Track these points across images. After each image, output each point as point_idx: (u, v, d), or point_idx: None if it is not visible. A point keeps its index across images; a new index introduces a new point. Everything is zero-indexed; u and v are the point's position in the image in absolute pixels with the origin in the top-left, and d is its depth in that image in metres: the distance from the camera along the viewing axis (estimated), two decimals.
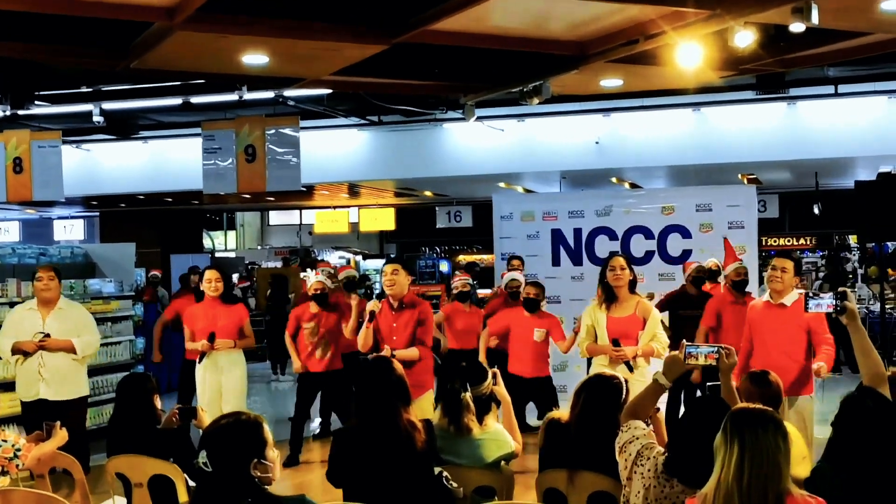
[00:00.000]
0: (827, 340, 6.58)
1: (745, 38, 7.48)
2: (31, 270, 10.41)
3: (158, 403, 5.39)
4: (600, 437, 4.35)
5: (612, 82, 10.34)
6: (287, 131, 11.27)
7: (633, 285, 7.07)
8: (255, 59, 8.78)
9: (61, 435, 5.25)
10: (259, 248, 32.81)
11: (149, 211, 22.05)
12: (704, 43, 8.14)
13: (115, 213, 22.80)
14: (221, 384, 8.13)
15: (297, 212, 29.12)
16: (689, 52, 8.10)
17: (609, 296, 7.04)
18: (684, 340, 4.27)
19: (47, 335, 7.57)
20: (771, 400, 4.50)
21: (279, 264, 26.44)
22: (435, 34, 8.19)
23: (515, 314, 9.23)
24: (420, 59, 9.79)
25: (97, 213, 23.58)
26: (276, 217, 33.16)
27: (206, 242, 32.25)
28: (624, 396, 4.50)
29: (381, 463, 4.43)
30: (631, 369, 6.85)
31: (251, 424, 3.36)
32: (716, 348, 4.22)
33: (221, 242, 33.08)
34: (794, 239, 24.79)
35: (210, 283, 8.21)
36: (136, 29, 8.33)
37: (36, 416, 7.45)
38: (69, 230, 24.00)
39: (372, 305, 7.17)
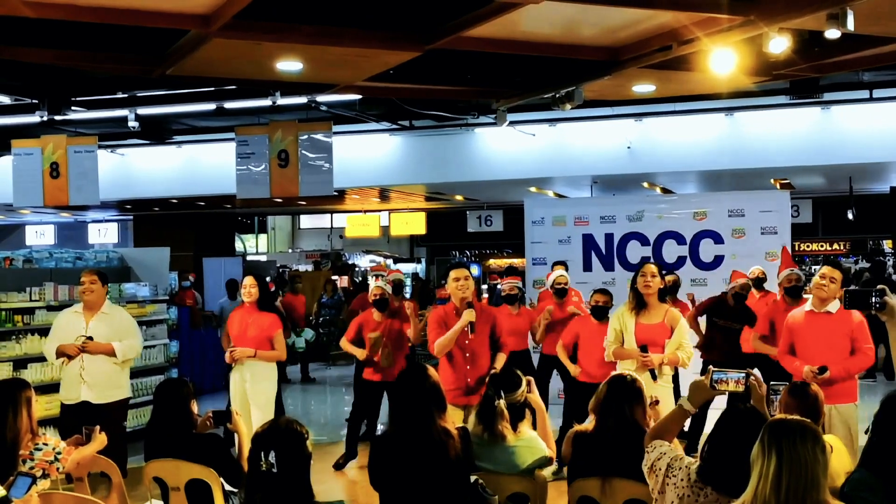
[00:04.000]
0: (866, 350, 6.53)
1: (779, 44, 7.43)
2: (68, 274, 10.58)
3: (195, 408, 5.44)
4: (624, 434, 4.48)
5: (644, 88, 10.31)
6: (320, 136, 11.33)
7: (663, 294, 7.12)
8: (289, 65, 8.84)
9: (100, 439, 5.32)
10: (290, 251, 32.98)
11: (182, 214, 22.20)
12: (738, 48, 8.12)
13: (148, 217, 22.98)
14: (247, 393, 8.20)
15: (328, 215, 29.23)
16: (722, 59, 8.06)
17: (639, 302, 7.11)
18: (711, 366, 4.24)
19: (90, 338, 7.66)
20: (810, 412, 4.47)
21: (310, 267, 26.60)
22: (468, 40, 8.20)
23: (584, 323, 9.11)
24: (453, 64, 9.81)
25: (131, 217, 23.78)
26: (306, 221, 33.33)
27: (238, 246, 32.45)
28: (642, 394, 4.61)
29: (416, 470, 4.46)
30: (655, 377, 6.88)
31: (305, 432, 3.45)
32: (744, 374, 4.16)
33: (253, 246, 33.29)
34: (828, 244, 24.59)
35: (245, 288, 8.29)
36: (173, 36, 8.41)
37: (77, 419, 7.56)
38: (103, 233, 24.22)
39: (470, 316, 6.85)
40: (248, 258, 29.29)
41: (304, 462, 3.37)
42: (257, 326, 8.30)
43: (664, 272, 10.80)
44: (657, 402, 4.90)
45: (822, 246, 24.62)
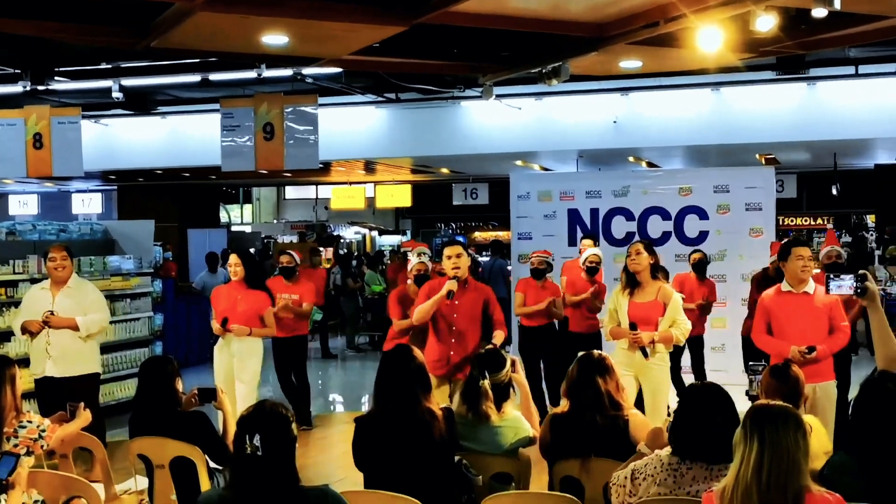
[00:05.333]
0: (842, 329, 6.53)
1: (766, 22, 7.42)
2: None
3: (180, 386, 5.44)
4: (600, 409, 4.59)
5: (631, 63, 10.30)
6: (305, 109, 11.24)
7: (654, 270, 7.11)
8: (275, 39, 8.79)
9: (85, 416, 5.31)
10: (275, 221, 32.88)
11: (166, 185, 22.09)
12: (724, 26, 8.09)
13: (132, 188, 22.85)
14: (234, 369, 8.13)
15: (314, 187, 29.11)
16: (709, 36, 8.05)
17: (631, 281, 7.11)
18: (669, 415, 4.24)
19: (52, 313, 7.58)
20: (791, 395, 4.51)
21: (295, 238, 26.52)
22: (454, 15, 8.17)
23: None
24: (439, 39, 9.76)
25: (115, 188, 23.62)
26: (292, 192, 33.18)
27: (223, 216, 32.30)
28: (612, 369, 4.71)
29: (401, 450, 4.48)
30: (646, 354, 6.90)
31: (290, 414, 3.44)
32: None
33: (238, 216, 33.17)
34: (812, 219, 24.65)
35: (231, 267, 8.19)
36: (157, 9, 8.34)
37: (46, 394, 7.56)
38: (87, 204, 23.97)
39: (451, 286, 6.85)
40: (233, 228, 29.19)
41: (290, 445, 3.36)
42: (247, 303, 8.22)
43: (692, 251, 10.78)
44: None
45: (805, 220, 24.67)
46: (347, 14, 8.07)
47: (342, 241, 27.25)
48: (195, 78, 12.76)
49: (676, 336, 6.98)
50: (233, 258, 8.22)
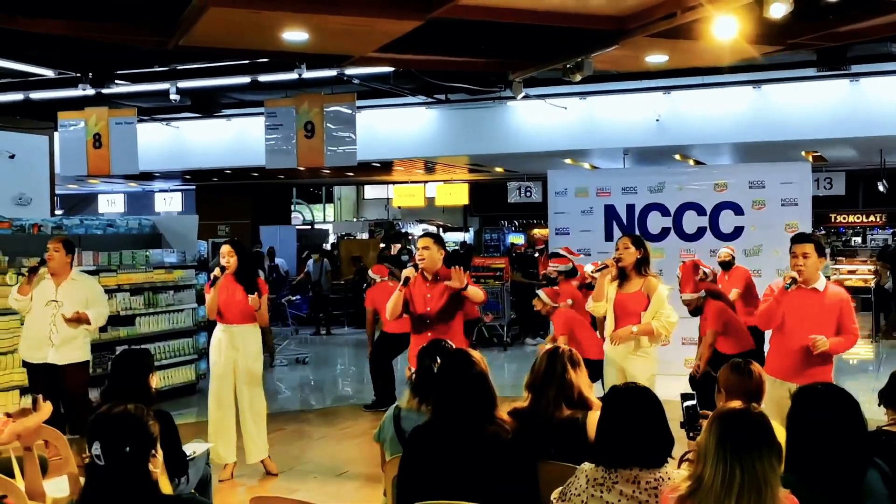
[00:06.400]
0: (853, 330, 5.81)
1: (778, 9, 6.84)
2: (96, 241, 10.28)
3: (154, 382, 5.00)
4: (567, 404, 4.12)
5: (657, 58, 9.63)
6: (344, 109, 10.89)
7: (640, 264, 6.57)
8: (294, 35, 8.34)
9: (45, 409, 4.88)
10: (355, 220, 32.71)
11: (240, 185, 21.93)
12: (747, 17, 7.48)
13: (209, 187, 22.75)
14: (237, 364, 7.27)
15: (387, 186, 28.83)
16: (726, 25, 7.43)
17: (620, 272, 6.70)
18: None
19: (56, 301, 7.33)
20: (753, 391, 3.89)
21: (366, 235, 26.22)
22: (468, 9, 7.65)
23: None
24: (465, 35, 9.28)
25: (193, 187, 23.55)
26: (370, 191, 33.01)
27: (306, 214, 32.22)
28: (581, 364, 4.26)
29: (462, 468, 3.70)
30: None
31: (145, 415, 2.92)
32: None
33: (321, 215, 33.13)
34: (865, 216, 23.47)
35: (224, 258, 7.46)
36: (180, 6, 7.97)
37: (41, 379, 7.28)
38: (169, 202, 24.01)
39: (407, 272, 6.54)
40: (316, 226, 29.02)
41: (140, 452, 2.84)
42: (243, 293, 7.21)
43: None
44: None
45: (858, 218, 23.49)
46: (360, 8, 7.59)
47: (411, 237, 26.83)
48: (245, 79, 12.47)
49: (657, 329, 6.46)
50: (225, 248, 7.36)
